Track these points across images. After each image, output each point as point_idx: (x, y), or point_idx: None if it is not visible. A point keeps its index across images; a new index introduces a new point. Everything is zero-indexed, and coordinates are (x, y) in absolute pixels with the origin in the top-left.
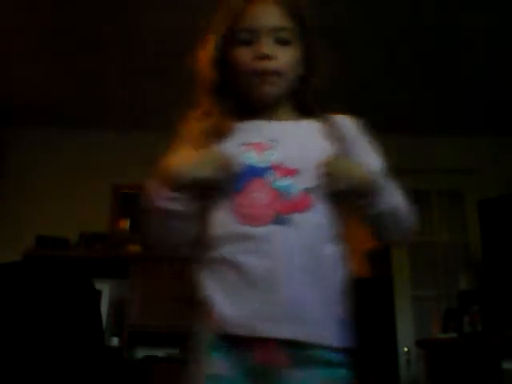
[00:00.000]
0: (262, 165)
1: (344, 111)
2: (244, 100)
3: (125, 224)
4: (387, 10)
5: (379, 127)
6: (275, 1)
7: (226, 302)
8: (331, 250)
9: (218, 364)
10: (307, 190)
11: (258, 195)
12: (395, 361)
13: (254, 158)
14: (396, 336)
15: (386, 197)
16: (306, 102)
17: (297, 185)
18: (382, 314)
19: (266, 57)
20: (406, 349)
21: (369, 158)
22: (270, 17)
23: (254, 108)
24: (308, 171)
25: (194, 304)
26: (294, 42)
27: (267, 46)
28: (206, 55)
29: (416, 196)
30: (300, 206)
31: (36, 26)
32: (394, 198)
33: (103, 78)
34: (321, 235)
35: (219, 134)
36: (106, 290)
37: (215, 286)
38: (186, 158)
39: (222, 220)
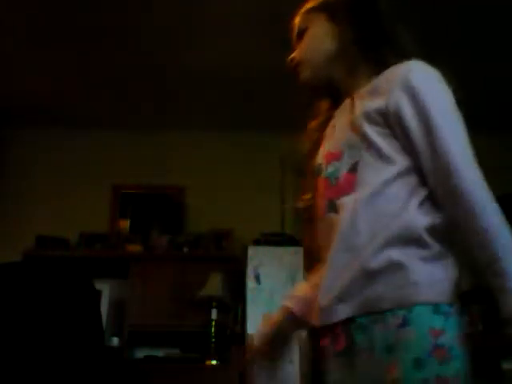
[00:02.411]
0: (321, 161)
1: None
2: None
3: (125, 224)
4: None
5: None
6: (300, 12)
7: None
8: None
9: None
10: (352, 170)
11: (319, 189)
12: None
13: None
14: None
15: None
16: (376, 58)
17: (340, 166)
18: None
19: (290, 61)
20: None
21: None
22: (297, 21)
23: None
24: (351, 148)
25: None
26: (309, 25)
27: (294, 53)
28: None
29: None
30: (341, 190)
31: (36, 26)
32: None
33: (103, 78)
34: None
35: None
36: (105, 290)
37: None
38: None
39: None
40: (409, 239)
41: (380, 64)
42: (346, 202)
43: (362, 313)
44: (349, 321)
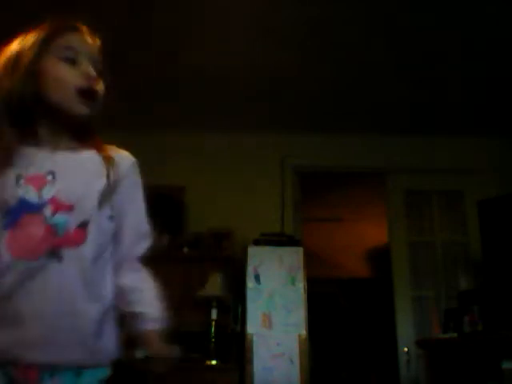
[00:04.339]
0: (39, 201)
1: (343, 112)
2: (36, 114)
3: None
4: (387, 9)
5: (379, 127)
6: (92, 36)
7: None
8: (105, 281)
9: None
10: (82, 225)
11: (32, 230)
12: (395, 361)
13: (31, 193)
14: (396, 336)
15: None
16: (92, 128)
17: (72, 220)
18: (381, 314)
19: (94, 78)
20: (406, 349)
21: (137, 217)
22: (93, 47)
23: (43, 126)
24: (84, 206)
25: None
26: (102, 74)
27: (93, 70)
28: (15, 63)
29: (416, 196)
30: (72, 241)
31: (37, 26)
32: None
33: None
34: (97, 267)
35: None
36: None
37: None
38: None
39: None
40: None
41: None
42: (74, 255)
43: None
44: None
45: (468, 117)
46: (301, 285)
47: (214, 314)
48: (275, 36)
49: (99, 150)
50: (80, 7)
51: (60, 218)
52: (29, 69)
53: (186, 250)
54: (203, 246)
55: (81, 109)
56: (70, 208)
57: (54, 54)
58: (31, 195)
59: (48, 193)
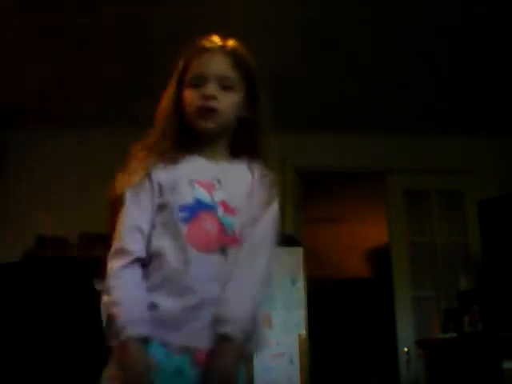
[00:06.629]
0: (211, 202)
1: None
2: (189, 134)
3: None
4: (388, 9)
5: (379, 127)
6: (224, 51)
7: None
8: None
9: None
10: (239, 229)
11: (208, 226)
12: (395, 361)
13: (203, 194)
14: (396, 336)
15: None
16: (246, 142)
17: (235, 222)
18: (381, 314)
19: (209, 97)
20: (405, 349)
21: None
22: (218, 66)
23: (196, 143)
24: (241, 213)
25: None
26: (236, 88)
27: (211, 89)
28: (166, 95)
29: (416, 196)
30: (236, 242)
31: (36, 25)
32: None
33: (103, 78)
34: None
35: (166, 159)
36: None
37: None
38: None
39: (173, 247)
40: None
41: (235, 145)
42: (234, 254)
43: None
44: None
45: (468, 117)
46: (301, 285)
47: None
48: (275, 36)
49: (250, 166)
50: (80, 7)
51: (228, 219)
52: (173, 105)
53: None
54: None
55: (202, 124)
56: (234, 212)
57: (187, 83)
58: (204, 196)
59: (217, 196)
